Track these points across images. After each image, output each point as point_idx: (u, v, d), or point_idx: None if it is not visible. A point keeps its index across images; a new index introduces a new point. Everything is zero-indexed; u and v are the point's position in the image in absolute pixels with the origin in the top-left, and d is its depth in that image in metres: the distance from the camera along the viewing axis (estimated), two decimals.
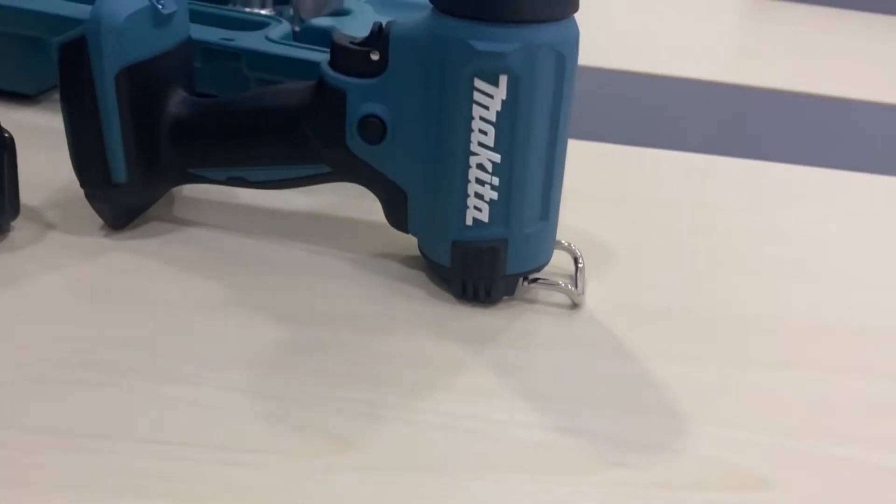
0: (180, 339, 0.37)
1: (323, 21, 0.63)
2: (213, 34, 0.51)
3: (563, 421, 0.35)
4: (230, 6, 0.66)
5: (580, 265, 0.44)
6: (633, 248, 0.49)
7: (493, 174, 0.38)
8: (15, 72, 0.56)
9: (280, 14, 0.66)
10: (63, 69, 0.39)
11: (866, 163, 0.69)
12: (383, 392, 0.35)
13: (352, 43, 0.40)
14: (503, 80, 0.37)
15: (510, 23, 0.36)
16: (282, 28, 0.55)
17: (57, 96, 0.59)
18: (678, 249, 0.50)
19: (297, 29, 0.62)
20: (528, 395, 0.36)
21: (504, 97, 0.37)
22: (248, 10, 0.65)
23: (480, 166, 0.38)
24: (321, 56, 0.52)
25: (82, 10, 0.53)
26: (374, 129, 0.40)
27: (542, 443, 0.33)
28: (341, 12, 0.65)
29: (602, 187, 0.56)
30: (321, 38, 0.61)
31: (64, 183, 0.47)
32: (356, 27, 0.63)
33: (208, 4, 0.58)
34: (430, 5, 0.38)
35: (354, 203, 0.48)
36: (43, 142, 0.47)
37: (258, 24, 0.55)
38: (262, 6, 0.66)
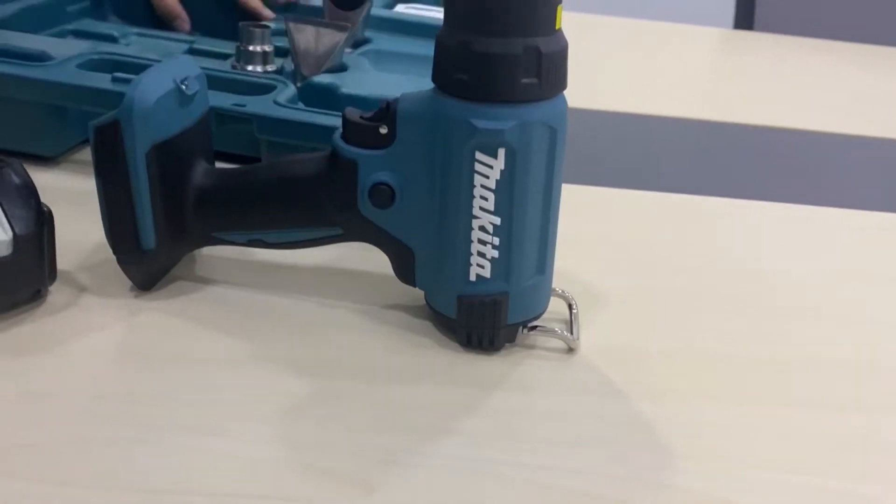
0: (210, 394, 0.41)
1: (323, 78, 0.66)
2: (225, 100, 0.55)
3: (565, 461, 0.38)
4: (234, 61, 0.69)
5: (574, 311, 0.48)
6: (622, 290, 0.53)
7: (493, 235, 0.42)
8: (37, 136, 0.59)
9: (281, 69, 0.70)
10: (98, 149, 0.42)
11: (856, 198, 0.72)
12: (401, 438, 0.39)
13: (362, 118, 0.43)
14: (501, 152, 0.41)
15: (507, 103, 0.40)
16: (288, 91, 0.59)
17: (76, 158, 0.63)
18: (666, 290, 0.54)
19: (298, 85, 0.66)
20: (532, 438, 0.40)
21: (502, 167, 0.41)
22: (250, 67, 0.69)
23: (482, 228, 0.42)
24: (324, 118, 0.56)
25: (99, 79, 0.57)
26: (383, 196, 0.44)
27: (547, 483, 0.37)
28: (340, 68, 0.69)
29: (588, 231, 0.60)
30: (322, 94, 0.65)
31: (91, 245, 0.50)
32: (354, 82, 0.67)
33: (220, 70, 0.62)
34: (434, 86, 0.42)
35: (363, 256, 0.51)
36: (67, 203, 0.49)
37: (267, 88, 0.59)
38: (264, 63, 0.70)
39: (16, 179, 0.42)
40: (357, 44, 0.78)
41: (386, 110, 0.43)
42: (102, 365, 0.42)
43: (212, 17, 0.83)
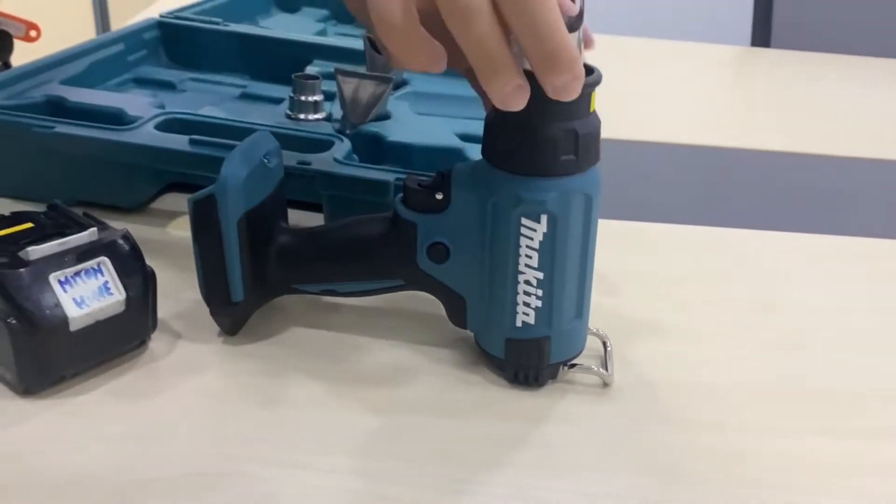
0: (292, 430, 0.47)
1: (370, 127, 0.73)
2: (291, 158, 0.62)
3: (607, 488, 0.44)
4: (287, 109, 0.76)
5: (608, 348, 0.54)
6: (651, 325, 0.59)
7: (537, 287, 0.49)
8: (117, 190, 0.66)
9: (329, 116, 0.77)
10: (195, 219, 0.49)
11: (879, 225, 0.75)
12: (463, 470, 0.45)
13: (420, 185, 0.50)
14: (544, 218, 0.47)
15: (548, 176, 0.46)
16: (344, 147, 0.65)
17: (151, 208, 0.70)
18: (694, 322, 0.59)
19: (348, 132, 0.72)
20: (578, 466, 0.46)
21: (545, 230, 0.47)
22: (302, 116, 0.75)
23: (527, 282, 0.49)
24: (379, 174, 0.62)
25: (178, 142, 0.63)
26: (439, 253, 0.50)
27: None
28: (384, 116, 0.76)
29: (615, 265, 0.66)
30: (370, 142, 0.72)
31: (179, 293, 0.56)
32: (399, 130, 0.73)
33: (281, 126, 0.68)
34: (483, 158, 0.48)
35: (418, 302, 0.57)
36: (150, 254, 0.55)
37: (325, 144, 0.66)
38: (315, 112, 0.76)
39: (125, 246, 0.48)
40: (396, 86, 0.84)
41: (441, 179, 0.49)
42: (202, 408, 0.48)
43: (263, 62, 0.90)
